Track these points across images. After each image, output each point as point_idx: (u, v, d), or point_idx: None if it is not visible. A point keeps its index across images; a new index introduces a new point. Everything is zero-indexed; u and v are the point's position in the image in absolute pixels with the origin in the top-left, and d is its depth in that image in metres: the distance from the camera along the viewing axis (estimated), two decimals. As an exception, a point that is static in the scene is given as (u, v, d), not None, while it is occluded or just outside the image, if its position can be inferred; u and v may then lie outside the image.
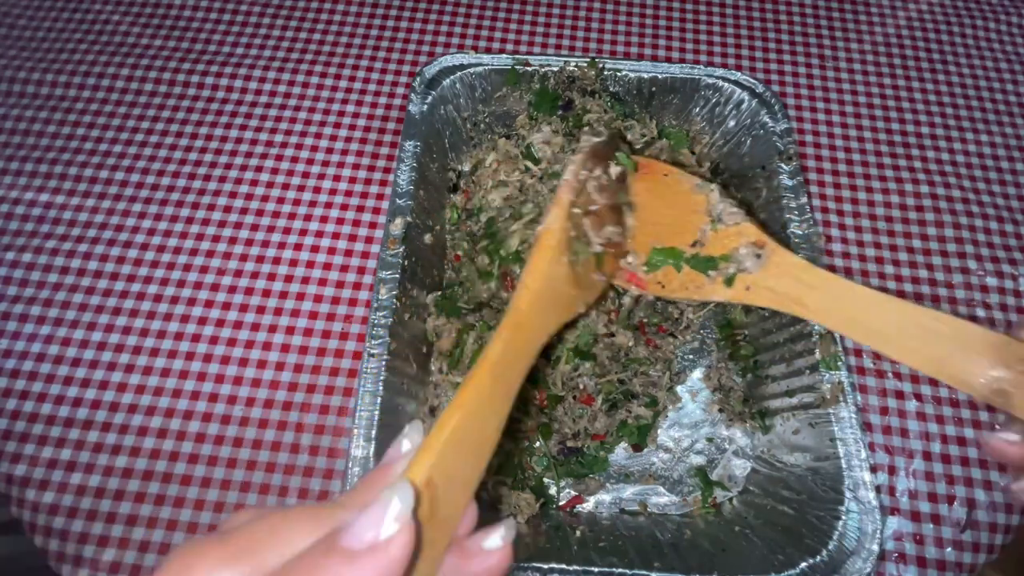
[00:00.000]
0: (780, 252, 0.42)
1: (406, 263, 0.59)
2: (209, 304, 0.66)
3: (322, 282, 0.67)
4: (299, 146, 0.75)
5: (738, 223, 0.44)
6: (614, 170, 0.47)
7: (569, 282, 0.41)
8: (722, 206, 0.45)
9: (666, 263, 0.46)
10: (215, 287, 0.67)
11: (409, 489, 0.21)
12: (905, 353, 0.37)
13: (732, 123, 0.71)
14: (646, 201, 0.47)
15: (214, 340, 0.64)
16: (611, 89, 0.72)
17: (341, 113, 0.77)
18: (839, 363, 0.56)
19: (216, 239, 0.69)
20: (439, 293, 0.63)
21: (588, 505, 0.58)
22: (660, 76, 0.70)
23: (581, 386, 0.60)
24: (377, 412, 0.53)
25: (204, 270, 0.68)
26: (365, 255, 0.69)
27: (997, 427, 0.33)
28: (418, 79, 0.69)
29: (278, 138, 0.75)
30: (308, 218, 0.71)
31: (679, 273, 0.45)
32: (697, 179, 0.48)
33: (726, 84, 0.70)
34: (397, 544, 0.21)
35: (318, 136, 0.76)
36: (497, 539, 0.25)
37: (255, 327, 0.65)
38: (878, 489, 0.51)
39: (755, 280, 0.42)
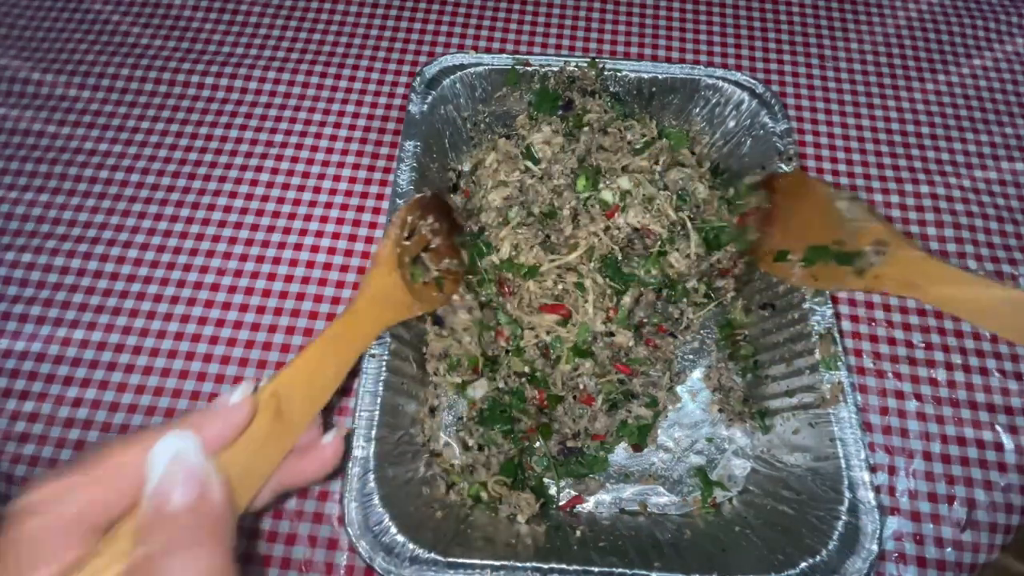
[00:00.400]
0: (904, 247, 0.49)
1: (406, 263, 0.59)
2: (209, 304, 0.66)
3: (322, 282, 0.67)
4: (299, 146, 0.75)
5: (870, 224, 0.52)
6: (750, 179, 0.62)
7: (401, 291, 0.54)
8: (858, 209, 0.53)
9: (821, 258, 0.54)
10: (215, 287, 0.67)
11: (250, 386, 0.33)
12: (997, 325, 0.45)
13: (732, 123, 0.71)
14: (796, 208, 0.56)
15: (214, 340, 0.64)
16: (611, 89, 0.72)
17: (341, 113, 0.77)
18: (839, 363, 0.56)
19: (216, 239, 0.69)
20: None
21: (588, 505, 0.58)
22: (660, 76, 0.70)
23: (581, 386, 0.60)
24: (377, 412, 0.53)
25: (204, 270, 0.68)
26: (365, 255, 0.69)
27: (998, 427, 0.45)
28: (418, 79, 0.69)
29: (278, 138, 0.75)
30: (308, 218, 0.71)
31: (827, 266, 0.53)
32: (832, 188, 0.57)
33: (726, 84, 0.70)
34: (242, 408, 0.31)
35: (318, 136, 0.76)
36: (329, 436, 0.36)
37: (255, 327, 0.65)
38: (878, 489, 0.51)
39: (881, 271, 0.50)
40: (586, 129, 0.69)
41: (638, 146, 0.69)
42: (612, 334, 0.60)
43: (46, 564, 0.22)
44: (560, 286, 0.60)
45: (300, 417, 0.36)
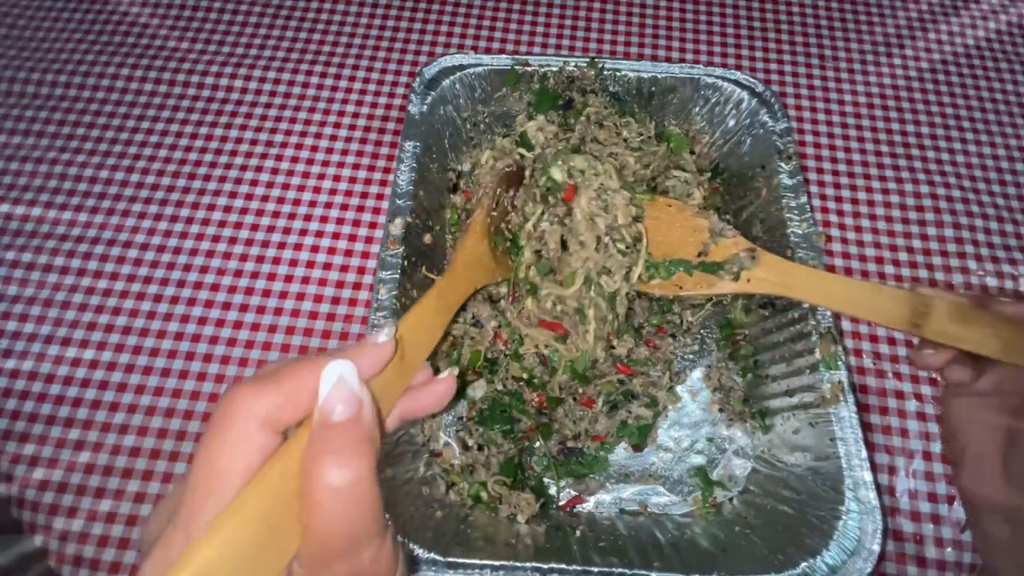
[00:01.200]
0: (766, 254, 0.57)
1: (406, 263, 0.59)
2: (209, 304, 0.66)
3: (322, 282, 0.67)
4: (299, 146, 0.75)
5: (734, 236, 0.58)
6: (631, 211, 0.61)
7: (488, 257, 0.57)
8: (722, 225, 0.59)
9: (678, 270, 0.59)
10: (215, 287, 0.67)
11: (392, 328, 0.35)
12: (856, 310, 0.51)
13: (732, 122, 0.71)
14: (655, 227, 0.60)
15: (214, 340, 0.64)
16: (611, 89, 0.72)
17: (341, 113, 0.77)
18: (839, 363, 0.56)
19: (216, 239, 0.69)
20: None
21: (588, 505, 0.58)
22: (660, 76, 0.70)
23: (580, 389, 0.60)
24: (377, 412, 0.53)
25: (204, 270, 0.68)
26: (365, 255, 0.69)
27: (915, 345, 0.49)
28: (418, 79, 0.69)
29: (278, 138, 0.75)
30: (308, 218, 0.71)
31: (691, 276, 0.58)
32: (695, 207, 0.62)
33: (726, 84, 0.70)
34: (388, 347, 0.33)
35: (318, 136, 0.76)
36: (444, 373, 0.38)
37: (255, 327, 0.65)
38: (878, 489, 0.51)
39: (753, 274, 0.56)
40: (582, 119, 0.69)
41: (633, 144, 0.68)
42: (612, 347, 0.60)
43: (245, 452, 0.27)
44: (559, 307, 0.59)
45: (417, 357, 0.40)
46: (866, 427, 0.62)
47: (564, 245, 0.58)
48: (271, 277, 0.67)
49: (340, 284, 0.67)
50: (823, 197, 0.73)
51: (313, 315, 0.66)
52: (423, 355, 0.41)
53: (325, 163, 0.74)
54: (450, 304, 0.48)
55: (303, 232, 0.70)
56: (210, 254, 0.69)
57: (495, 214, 0.61)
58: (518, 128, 0.72)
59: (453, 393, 0.39)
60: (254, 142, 0.75)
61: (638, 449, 0.60)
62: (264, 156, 0.74)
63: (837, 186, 0.74)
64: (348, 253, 0.69)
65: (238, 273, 0.68)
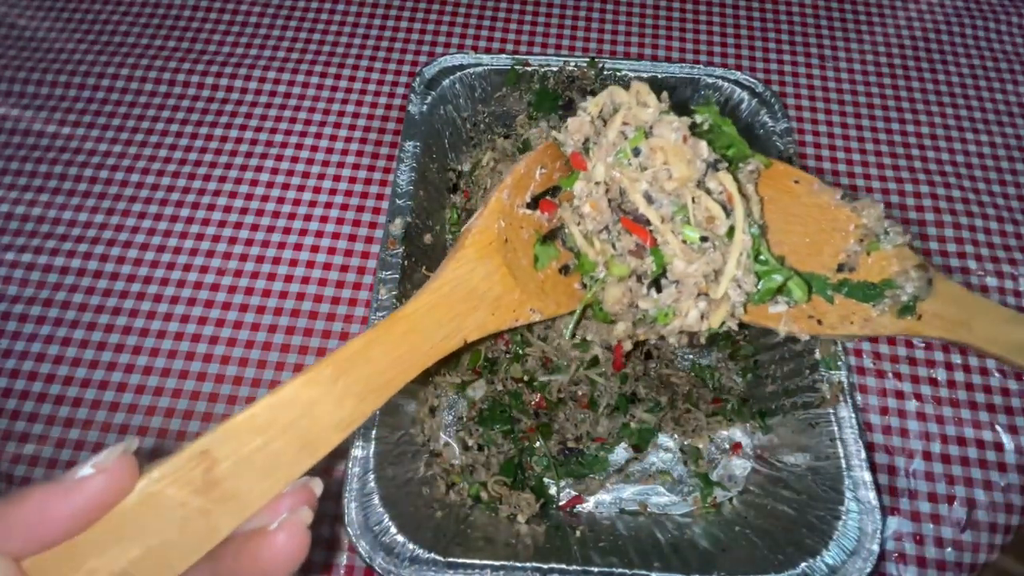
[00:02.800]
0: (941, 278, 0.38)
1: (406, 263, 0.59)
2: (209, 304, 0.66)
3: (322, 282, 0.67)
4: (299, 146, 0.75)
5: (901, 242, 0.39)
6: (748, 168, 0.40)
7: (500, 284, 0.38)
8: (888, 223, 0.39)
9: (822, 292, 0.39)
10: (215, 287, 0.67)
11: (123, 447, 0.24)
12: None
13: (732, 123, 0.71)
14: (770, 214, 0.40)
15: (214, 340, 0.64)
16: (611, 89, 0.72)
17: (341, 113, 0.77)
18: (839, 363, 0.56)
19: (216, 239, 0.69)
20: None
21: (588, 505, 0.58)
22: (660, 75, 0.70)
23: (580, 392, 0.60)
24: (377, 412, 0.53)
25: (204, 270, 0.68)
26: (365, 255, 0.69)
27: (998, 427, 0.41)
28: (418, 79, 0.69)
29: (278, 138, 0.75)
30: (308, 218, 0.71)
31: (832, 304, 0.38)
32: (839, 189, 0.42)
33: (726, 84, 0.70)
34: (90, 484, 0.22)
35: (318, 136, 0.76)
36: (287, 520, 0.24)
37: (255, 327, 0.65)
38: (878, 489, 0.51)
39: (925, 308, 0.38)
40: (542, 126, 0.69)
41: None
42: (610, 348, 0.60)
43: None
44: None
45: (251, 487, 0.25)
46: (866, 427, 0.62)
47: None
48: (271, 277, 0.67)
49: (340, 284, 0.67)
50: (823, 197, 0.73)
51: (313, 315, 0.66)
52: (274, 482, 0.26)
53: (325, 163, 0.74)
54: (380, 382, 0.31)
55: (303, 232, 0.70)
56: (210, 254, 0.69)
57: (528, 212, 0.40)
58: (519, 129, 0.72)
59: (301, 550, 0.25)
60: (254, 142, 0.75)
61: (638, 450, 0.60)
62: (264, 156, 0.74)
63: (837, 186, 0.74)
64: (348, 253, 0.69)
65: (238, 273, 0.68)
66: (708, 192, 0.38)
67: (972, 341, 0.39)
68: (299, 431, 0.28)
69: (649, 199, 0.38)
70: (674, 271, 0.37)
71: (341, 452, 0.59)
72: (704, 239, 0.37)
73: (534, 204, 0.42)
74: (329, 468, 0.59)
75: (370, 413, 0.31)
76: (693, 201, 0.38)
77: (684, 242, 0.37)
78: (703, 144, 0.38)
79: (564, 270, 0.41)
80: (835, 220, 0.40)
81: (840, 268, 0.40)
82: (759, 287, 0.38)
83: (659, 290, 0.39)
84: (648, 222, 0.38)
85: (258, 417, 0.27)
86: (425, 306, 0.36)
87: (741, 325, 0.49)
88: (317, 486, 0.28)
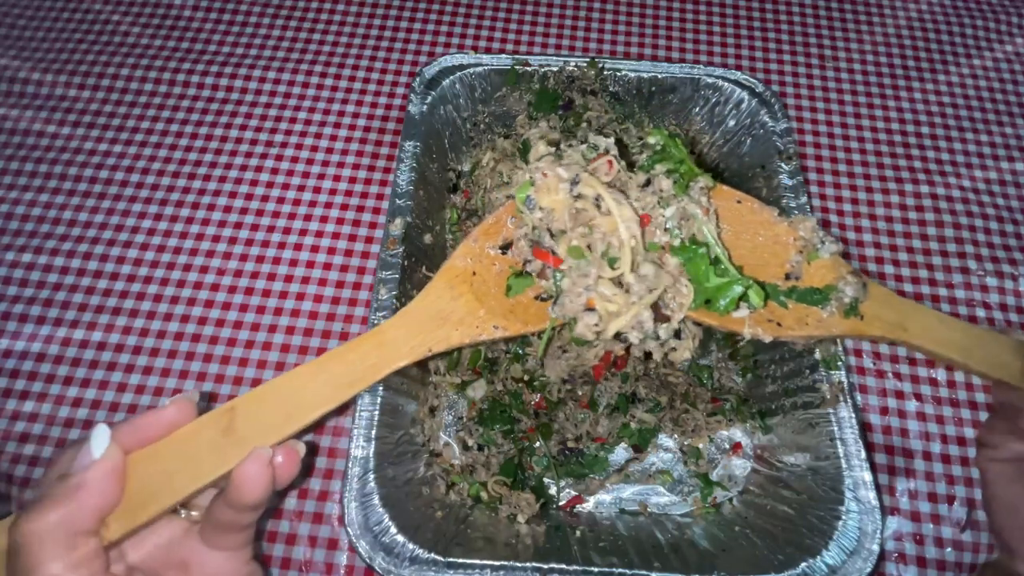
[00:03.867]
0: (875, 284, 0.43)
1: (406, 263, 0.59)
2: (209, 304, 0.66)
3: (322, 282, 0.67)
4: (299, 146, 0.75)
5: (834, 252, 0.43)
6: (698, 185, 0.46)
7: (466, 305, 0.46)
8: (821, 233, 0.44)
9: (775, 298, 0.43)
10: (215, 287, 0.67)
11: (192, 394, 0.39)
12: (975, 361, 0.43)
13: (732, 123, 0.71)
14: (723, 233, 0.44)
15: (214, 340, 0.64)
16: (611, 89, 0.72)
17: (341, 113, 0.77)
18: (839, 363, 0.56)
19: (216, 239, 0.69)
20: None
21: (588, 505, 0.58)
22: (660, 76, 0.70)
23: (580, 392, 0.60)
24: (377, 412, 0.53)
25: (204, 270, 0.68)
26: (365, 255, 0.69)
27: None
28: (418, 79, 0.69)
29: (278, 138, 0.75)
30: (308, 218, 0.71)
31: (787, 309, 0.42)
32: (775, 208, 0.46)
33: (726, 84, 0.70)
34: (166, 412, 0.38)
35: (318, 136, 0.76)
36: (267, 452, 0.37)
37: (255, 327, 0.65)
38: (878, 489, 0.51)
39: (865, 309, 0.42)
40: (584, 126, 0.69)
41: (633, 149, 0.66)
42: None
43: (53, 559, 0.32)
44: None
45: (255, 437, 0.37)
46: (866, 427, 0.62)
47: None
48: (271, 277, 0.67)
49: (340, 284, 0.67)
50: (823, 197, 0.73)
51: (313, 315, 0.66)
52: (271, 436, 0.38)
53: (325, 163, 0.74)
54: (350, 377, 0.41)
55: (303, 232, 0.70)
56: (210, 254, 0.69)
57: (504, 253, 0.48)
58: (519, 129, 0.72)
59: (261, 475, 0.36)
60: (254, 142, 0.75)
61: (639, 450, 0.60)
62: (264, 156, 0.74)
63: (837, 186, 0.74)
64: (348, 253, 0.69)
65: (238, 273, 0.68)
66: (598, 205, 0.44)
67: (908, 339, 0.43)
68: (289, 405, 0.39)
69: (550, 231, 0.45)
70: (563, 287, 0.44)
71: (341, 452, 0.59)
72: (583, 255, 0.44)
73: (507, 247, 0.49)
74: (329, 469, 0.59)
75: (343, 400, 0.41)
76: (577, 215, 0.44)
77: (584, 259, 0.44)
78: (561, 170, 0.44)
79: (541, 298, 0.47)
80: (777, 235, 0.45)
81: (788, 277, 0.44)
82: (725, 298, 0.42)
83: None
84: (553, 250, 0.45)
85: (265, 391, 0.39)
86: (395, 325, 0.44)
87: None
88: (300, 447, 0.39)
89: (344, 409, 0.61)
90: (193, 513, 0.41)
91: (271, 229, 0.70)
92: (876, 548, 0.49)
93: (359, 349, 0.42)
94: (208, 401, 0.61)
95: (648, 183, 0.46)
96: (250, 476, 0.36)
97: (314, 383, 0.40)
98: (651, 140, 0.48)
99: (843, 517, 0.50)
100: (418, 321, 0.45)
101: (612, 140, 0.48)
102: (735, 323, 0.43)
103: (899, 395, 0.64)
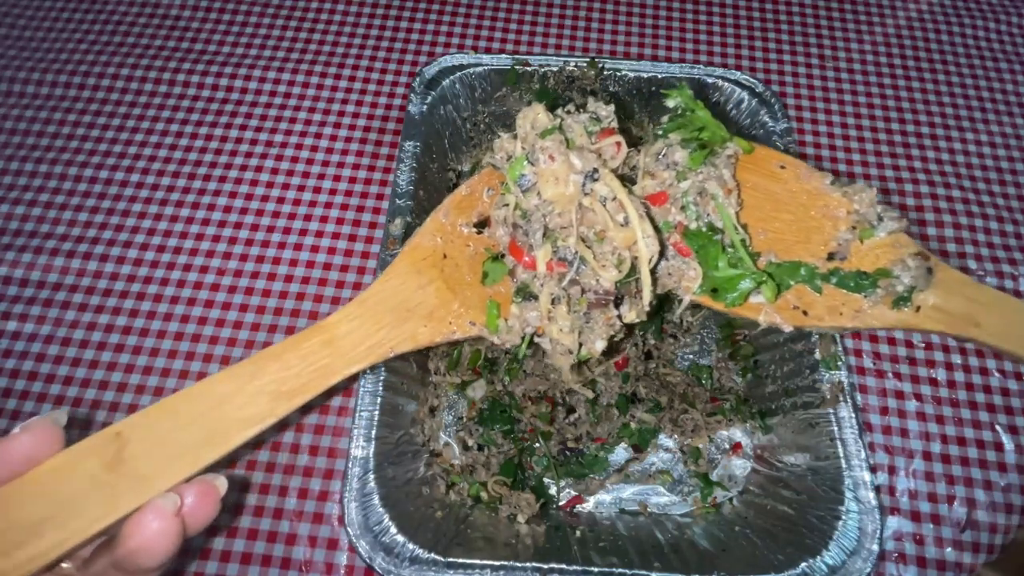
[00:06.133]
0: (944, 267, 0.36)
1: (406, 263, 0.59)
2: (209, 304, 0.66)
3: (322, 282, 0.67)
4: (299, 146, 0.75)
5: (896, 228, 0.37)
6: (725, 153, 0.39)
7: (435, 297, 0.37)
8: (881, 210, 0.37)
9: (795, 281, 0.36)
10: (215, 287, 0.67)
11: (59, 416, 0.29)
12: None
13: (732, 123, 0.71)
14: (754, 200, 0.37)
15: (214, 340, 0.64)
16: (611, 89, 0.72)
17: (341, 113, 0.77)
18: (839, 363, 0.56)
19: (216, 239, 0.69)
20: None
21: (588, 505, 0.58)
22: (660, 76, 0.70)
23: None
24: (377, 412, 0.53)
25: (204, 270, 0.68)
26: (365, 255, 0.69)
27: (998, 427, 0.35)
28: (418, 79, 0.69)
29: (278, 138, 0.75)
30: (308, 218, 0.71)
31: (820, 295, 0.36)
32: (828, 174, 0.39)
33: (726, 84, 0.70)
34: (19, 441, 0.27)
35: (318, 136, 0.76)
36: (167, 503, 0.27)
37: (255, 327, 0.65)
38: (878, 489, 0.51)
39: (924, 300, 0.36)
40: (583, 93, 0.68)
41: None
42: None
43: None
44: None
45: (156, 471, 0.27)
46: (866, 427, 0.62)
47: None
48: (271, 277, 0.67)
49: (340, 284, 0.67)
50: (823, 197, 0.73)
51: (313, 315, 0.66)
52: (178, 468, 0.28)
53: (325, 163, 0.74)
54: (293, 387, 0.32)
55: (303, 232, 0.70)
56: (210, 254, 0.69)
57: (477, 232, 0.42)
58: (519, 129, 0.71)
59: (167, 534, 0.26)
60: (254, 142, 0.75)
61: (639, 450, 0.60)
62: (264, 156, 0.74)
63: (836, 173, 0.74)
64: (348, 253, 0.69)
65: (238, 273, 0.68)
66: (604, 202, 0.38)
67: (981, 337, 0.36)
68: (207, 423, 0.29)
69: (546, 226, 0.38)
70: (536, 291, 0.39)
71: (341, 452, 0.59)
72: (562, 257, 0.38)
73: (483, 225, 0.42)
74: (329, 469, 0.59)
75: (282, 414, 0.32)
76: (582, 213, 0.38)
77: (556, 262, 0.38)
78: (575, 158, 0.38)
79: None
80: (825, 206, 0.38)
81: (831, 257, 0.38)
82: (733, 292, 0.38)
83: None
84: (531, 246, 0.39)
85: (170, 406, 0.29)
86: (348, 317, 0.37)
87: (740, 324, 0.57)
88: (221, 483, 0.30)
89: (344, 409, 0.61)
90: (65, 566, 0.29)
91: (271, 229, 0.70)
92: (876, 548, 0.49)
93: (303, 346, 0.34)
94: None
95: (663, 154, 0.40)
96: (149, 535, 0.26)
97: (243, 393, 0.31)
98: (669, 103, 0.42)
99: (843, 517, 0.50)
100: (376, 313, 0.37)
101: (613, 108, 0.43)
102: (749, 310, 0.38)
103: (899, 395, 0.64)
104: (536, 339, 0.40)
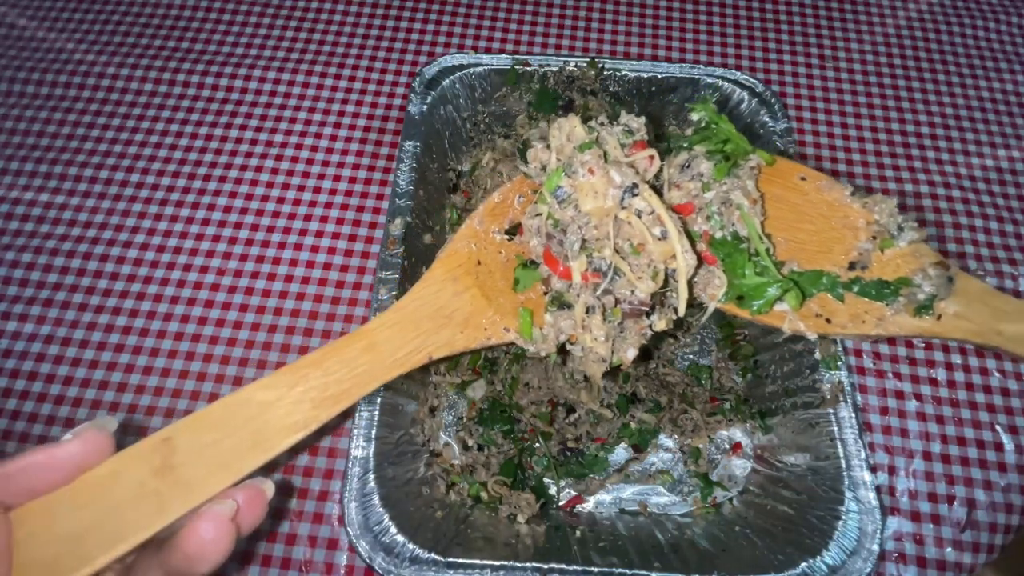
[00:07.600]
0: (965, 276, 0.37)
1: (406, 263, 0.59)
2: (209, 304, 0.66)
3: (322, 282, 0.67)
4: (299, 146, 0.75)
5: (916, 238, 0.38)
6: (748, 165, 0.41)
7: (471, 303, 0.38)
8: (901, 220, 0.38)
9: (818, 289, 0.37)
10: (215, 287, 0.67)
11: (102, 424, 0.28)
12: None
13: (732, 123, 0.71)
14: (776, 211, 0.39)
15: (214, 340, 0.64)
16: (611, 89, 0.72)
17: (341, 113, 0.77)
18: (839, 363, 0.56)
19: (216, 239, 0.69)
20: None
21: (588, 505, 0.58)
22: (660, 76, 0.70)
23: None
24: (377, 412, 0.53)
25: (204, 270, 0.68)
26: (365, 255, 0.69)
27: (998, 427, 0.35)
28: (418, 79, 0.69)
29: (278, 138, 0.75)
30: (308, 218, 0.71)
31: (843, 303, 0.37)
32: (848, 186, 0.41)
33: (726, 84, 0.70)
34: (66, 449, 0.27)
35: (318, 136, 0.76)
36: (222, 509, 0.27)
37: (255, 327, 0.65)
38: (878, 489, 0.51)
39: (945, 308, 0.36)
40: (612, 102, 0.68)
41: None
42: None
43: None
44: None
45: (203, 477, 0.28)
46: (866, 427, 0.62)
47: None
48: (271, 277, 0.67)
49: (340, 284, 0.67)
50: (823, 197, 0.73)
51: (313, 315, 0.66)
52: (225, 475, 0.28)
53: (325, 163, 0.74)
54: (336, 392, 0.33)
55: (303, 232, 0.70)
56: (210, 254, 0.69)
57: (507, 238, 0.42)
58: (519, 129, 0.72)
59: (222, 547, 0.27)
60: (254, 142, 0.75)
61: (639, 450, 0.60)
62: (264, 156, 0.74)
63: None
64: (348, 253, 0.69)
65: (238, 273, 0.68)
66: (639, 215, 0.38)
67: (1004, 345, 0.36)
68: (252, 430, 0.30)
69: (583, 239, 0.39)
70: (571, 300, 0.40)
71: (341, 452, 0.59)
72: (597, 268, 0.38)
73: (513, 231, 0.43)
74: (329, 469, 0.59)
75: (325, 420, 0.33)
76: (617, 226, 0.39)
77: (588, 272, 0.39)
78: (614, 173, 0.38)
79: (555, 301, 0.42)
80: (846, 217, 0.40)
81: (852, 266, 0.39)
82: (759, 299, 0.39)
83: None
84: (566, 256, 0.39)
85: (216, 413, 0.29)
86: (388, 323, 0.37)
87: (740, 324, 0.59)
88: (269, 487, 0.30)
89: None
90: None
91: (271, 229, 0.70)
92: (876, 548, 0.49)
93: (345, 352, 0.35)
94: (208, 402, 0.61)
95: (688, 165, 0.42)
96: (205, 542, 0.26)
97: (286, 399, 0.32)
98: (694, 116, 0.43)
99: (843, 517, 0.50)
100: (414, 320, 0.38)
101: (644, 120, 0.44)
102: (774, 318, 0.39)
103: (899, 395, 0.64)
104: (568, 347, 0.40)
